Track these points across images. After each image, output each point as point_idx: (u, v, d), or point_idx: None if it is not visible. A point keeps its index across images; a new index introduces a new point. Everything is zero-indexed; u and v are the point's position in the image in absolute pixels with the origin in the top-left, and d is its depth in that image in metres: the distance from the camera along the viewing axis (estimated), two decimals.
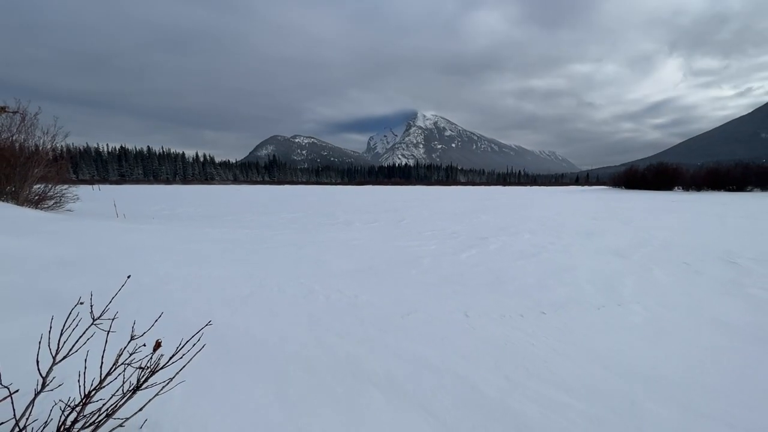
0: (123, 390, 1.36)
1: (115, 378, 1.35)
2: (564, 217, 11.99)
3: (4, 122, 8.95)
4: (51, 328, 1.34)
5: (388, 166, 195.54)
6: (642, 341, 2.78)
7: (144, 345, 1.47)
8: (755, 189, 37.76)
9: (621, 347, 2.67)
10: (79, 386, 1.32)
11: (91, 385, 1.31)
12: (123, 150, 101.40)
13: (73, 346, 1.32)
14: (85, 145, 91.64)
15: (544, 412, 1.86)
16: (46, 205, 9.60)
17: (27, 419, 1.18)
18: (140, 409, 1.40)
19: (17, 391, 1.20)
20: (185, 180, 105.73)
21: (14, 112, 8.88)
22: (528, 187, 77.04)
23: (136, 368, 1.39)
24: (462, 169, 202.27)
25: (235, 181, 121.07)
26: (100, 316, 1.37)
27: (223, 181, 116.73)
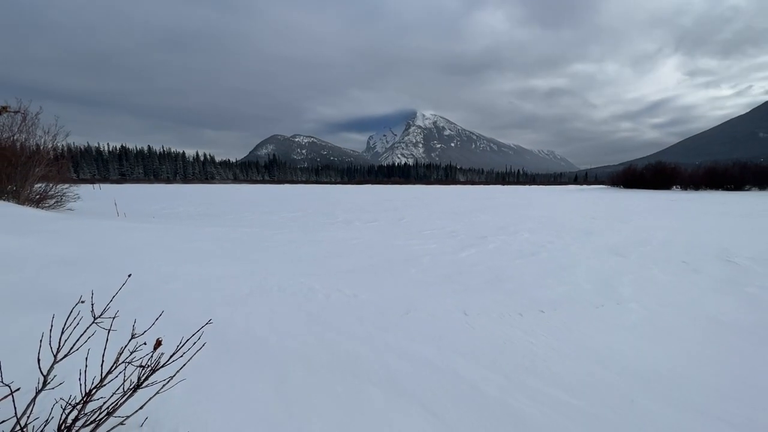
0: (124, 388, 1.37)
1: (116, 376, 1.35)
2: (563, 216, 12.00)
3: (6, 122, 8.96)
4: (52, 326, 1.35)
5: (388, 166, 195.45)
6: (640, 340, 2.80)
7: (145, 343, 1.47)
8: (753, 188, 37.83)
9: (619, 346, 2.68)
10: (80, 384, 1.33)
11: (92, 383, 1.32)
12: (124, 149, 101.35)
13: (74, 344, 1.33)
14: (86, 145, 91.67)
15: (543, 411, 1.87)
16: (47, 204, 9.61)
17: (28, 417, 1.19)
18: (141, 407, 1.41)
19: (18, 389, 1.20)
20: (185, 179, 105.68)
21: (15, 112, 8.89)
22: (527, 187, 77.10)
23: (137, 366, 1.40)
24: (461, 168, 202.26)
25: (235, 180, 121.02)
26: (101, 314, 1.38)
27: (224, 180, 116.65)
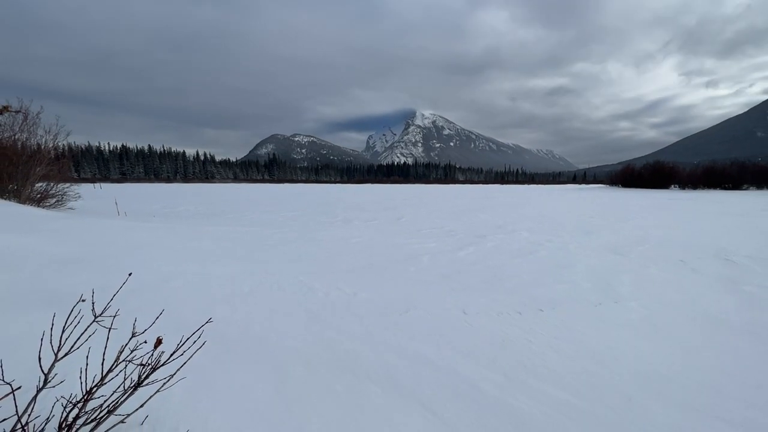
0: (124, 387, 1.38)
1: (117, 375, 1.36)
2: (561, 215, 12.01)
3: (7, 121, 8.97)
4: (53, 325, 1.36)
5: (387, 165, 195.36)
6: (639, 338, 2.81)
7: (145, 342, 1.48)
8: (751, 187, 37.86)
9: (618, 344, 2.69)
10: (81, 383, 1.34)
11: (93, 381, 1.33)
12: (124, 149, 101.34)
13: (74, 343, 1.34)
14: (87, 144, 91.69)
15: (542, 409, 1.88)
16: (48, 204, 9.62)
17: (29, 415, 1.19)
18: (141, 406, 1.42)
19: (19, 387, 1.21)
20: (186, 178, 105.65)
21: (17, 112, 8.90)
22: (525, 186, 77.14)
23: (137, 365, 1.40)
24: (460, 167, 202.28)
25: (236, 179, 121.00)
26: (102, 313, 1.38)
27: (224, 179, 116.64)
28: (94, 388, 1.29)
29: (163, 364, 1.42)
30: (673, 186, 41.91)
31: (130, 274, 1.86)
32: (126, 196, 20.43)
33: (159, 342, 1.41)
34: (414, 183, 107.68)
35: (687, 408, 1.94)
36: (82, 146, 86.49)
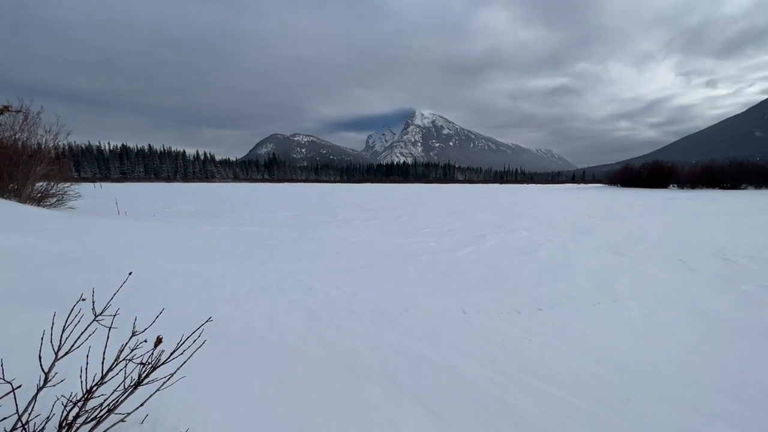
0: (124, 385, 1.38)
1: (117, 374, 1.36)
2: (560, 214, 12.02)
3: (7, 121, 8.98)
4: (53, 324, 1.36)
5: (387, 165, 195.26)
6: (637, 337, 2.81)
7: (145, 341, 1.48)
8: (749, 187, 37.93)
9: (617, 343, 2.70)
10: (81, 382, 1.34)
11: (93, 380, 1.33)
12: (125, 148, 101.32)
13: (74, 342, 1.34)
14: (87, 144, 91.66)
15: (541, 408, 1.89)
16: (48, 203, 9.62)
17: (29, 414, 1.19)
18: (141, 405, 1.42)
19: (20, 386, 1.22)
20: (186, 178, 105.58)
21: (17, 111, 8.91)
22: (525, 185, 77.16)
23: (138, 364, 1.41)
24: (459, 167, 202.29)
25: (235, 179, 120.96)
26: (102, 312, 1.39)
27: (224, 179, 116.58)
28: (95, 387, 1.30)
29: (163, 363, 1.43)
30: (671, 185, 41.98)
31: (130, 274, 1.87)
32: (126, 196, 20.42)
33: (159, 341, 1.41)
34: (413, 182, 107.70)
35: (685, 406, 1.95)
36: (83, 146, 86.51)
